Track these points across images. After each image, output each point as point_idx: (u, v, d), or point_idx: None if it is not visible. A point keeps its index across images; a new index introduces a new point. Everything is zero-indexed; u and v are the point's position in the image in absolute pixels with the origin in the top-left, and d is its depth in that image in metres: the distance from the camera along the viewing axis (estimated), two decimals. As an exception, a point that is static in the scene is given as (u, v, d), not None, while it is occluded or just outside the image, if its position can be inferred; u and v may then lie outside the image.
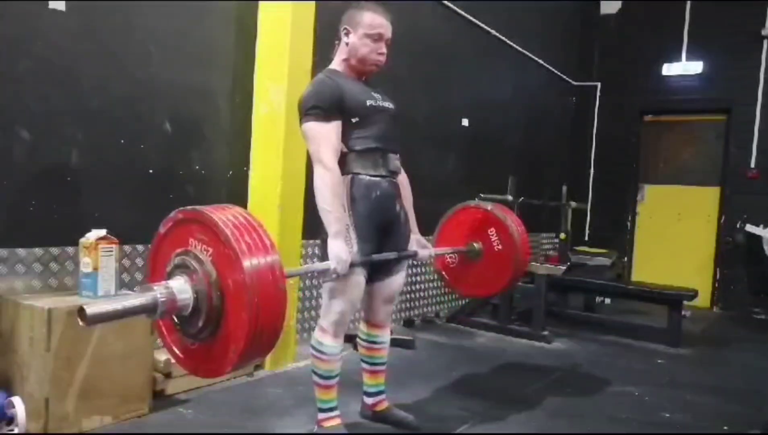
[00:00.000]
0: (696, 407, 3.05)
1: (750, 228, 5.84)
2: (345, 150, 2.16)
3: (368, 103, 2.19)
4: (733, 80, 6.02)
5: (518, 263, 2.78)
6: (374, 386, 2.50)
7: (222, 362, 1.57)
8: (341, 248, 2.03)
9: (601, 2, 6.91)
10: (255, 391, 2.86)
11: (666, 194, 6.57)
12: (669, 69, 6.39)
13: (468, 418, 2.67)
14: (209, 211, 1.56)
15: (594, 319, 5.01)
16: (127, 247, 2.66)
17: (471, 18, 4.86)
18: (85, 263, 2.36)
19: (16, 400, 2.15)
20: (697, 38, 6.23)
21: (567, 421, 2.75)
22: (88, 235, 2.39)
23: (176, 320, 1.61)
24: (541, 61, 6.05)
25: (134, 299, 1.51)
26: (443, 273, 2.94)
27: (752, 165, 5.93)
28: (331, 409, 2.30)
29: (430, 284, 4.76)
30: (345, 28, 2.22)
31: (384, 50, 2.23)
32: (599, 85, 6.88)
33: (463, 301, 4.85)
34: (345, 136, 2.15)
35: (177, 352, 1.69)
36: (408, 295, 4.51)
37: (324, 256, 2.09)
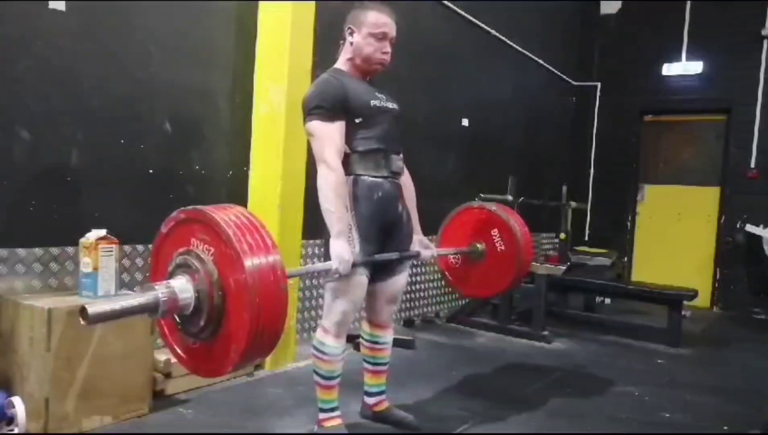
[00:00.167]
0: (696, 407, 3.05)
1: (750, 228, 5.84)
2: (348, 151, 2.16)
3: (372, 103, 2.19)
4: (733, 80, 6.02)
5: (521, 263, 2.78)
6: (376, 386, 2.50)
7: (223, 362, 1.57)
8: (343, 248, 2.02)
9: (601, 2, 6.91)
10: (255, 391, 2.85)
11: (666, 194, 6.57)
12: (669, 69, 6.40)
13: (468, 418, 2.67)
14: (211, 210, 1.56)
15: (594, 319, 5.01)
16: (127, 247, 2.66)
17: (471, 18, 4.87)
18: (85, 263, 2.35)
19: (16, 400, 2.15)
20: (697, 38, 6.24)
21: (567, 421, 2.75)
22: (88, 235, 2.38)
23: (178, 320, 1.61)
24: (541, 61, 6.05)
25: (136, 298, 1.51)
26: (446, 273, 2.95)
27: (752, 165, 5.94)
28: (332, 410, 2.30)
29: (430, 284, 4.76)
30: (349, 28, 2.22)
31: (388, 49, 2.22)
32: (599, 85, 6.88)
33: (463, 301, 4.86)
34: (348, 137, 2.15)
35: (179, 351, 1.69)
36: (408, 295, 4.51)
37: (327, 256, 2.09)
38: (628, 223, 6.72)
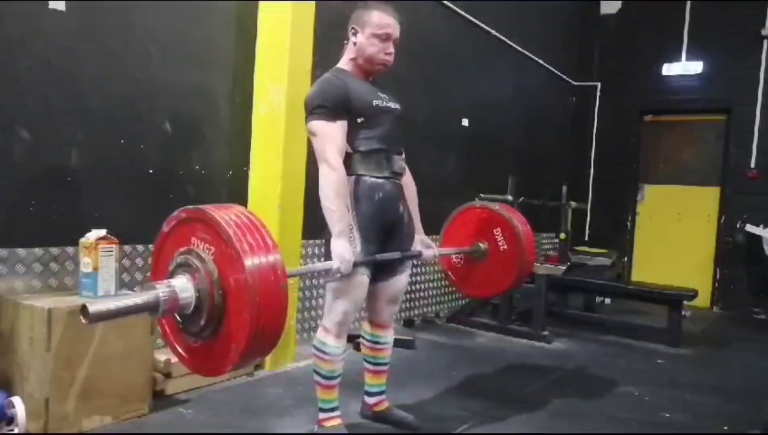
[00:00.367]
0: (696, 407, 3.05)
1: (750, 228, 5.84)
2: (350, 150, 2.16)
3: (375, 103, 2.18)
4: (733, 80, 6.02)
5: (524, 263, 2.78)
6: (376, 386, 2.50)
7: (223, 361, 1.57)
8: (344, 248, 2.02)
9: (601, 2, 6.91)
10: (255, 391, 2.85)
11: (666, 194, 6.57)
12: (669, 69, 6.40)
13: (468, 418, 2.67)
14: (212, 210, 1.56)
15: (594, 319, 5.01)
16: (127, 247, 2.66)
17: (471, 18, 4.87)
18: (85, 263, 2.35)
19: (16, 400, 2.15)
20: (697, 38, 6.24)
21: (567, 421, 2.75)
22: (88, 235, 2.38)
23: (179, 319, 1.61)
24: (541, 61, 6.05)
25: (137, 297, 1.51)
26: (449, 273, 2.96)
27: (752, 165, 5.94)
28: (332, 409, 2.30)
29: (430, 284, 4.76)
30: (353, 28, 2.22)
31: (392, 50, 2.22)
32: (599, 85, 6.88)
33: (463, 301, 4.86)
34: (350, 137, 2.15)
35: (180, 350, 1.69)
36: (408, 295, 4.51)
37: (328, 256, 2.09)
38: (628, 223, 6.72)
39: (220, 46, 3.06)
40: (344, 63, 2.27)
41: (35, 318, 2.14)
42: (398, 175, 2.29)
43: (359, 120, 2.15)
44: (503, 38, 5.31)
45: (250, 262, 1.48)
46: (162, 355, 2.60)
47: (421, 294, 4.67)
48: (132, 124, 2.70)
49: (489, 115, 5.34)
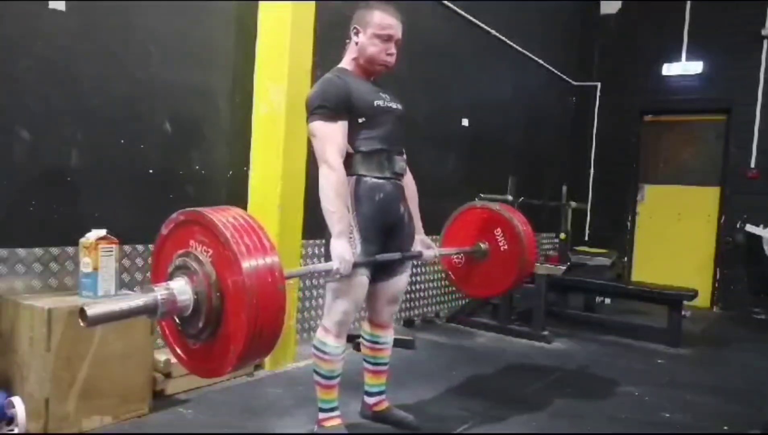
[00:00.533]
0: (696, 407, 3.05)
1: (750, 228, 5.84)
2: (351, 151, 2.16)
3: (376, 103, 2.18)
4: (733, 80, 6.02)
5: (525, 263, 2.78)
6: (376, 386, 2.50)
7: (222, 362, 1.57)
8: (344, 248, 2.02)
9: (601, 2, 6.91)
10: (255, 391, 2.86)
11: (666, 194, 6.57)
12: (669, 69, 6.39)
13: (468, 418, 2.67)
14: (209, 212, 1.56)
15: (594, 319, 5.01)
16: (127, 247, 2.66)
17: (471, 18, 4.86)
18: (85, 263, 2.35)
19: (16, 400, 2.15)
20: (697, 38, 6.23)
21: (567, 421, 2.75)
22: (88, 235, 2.38)
23: (178, 321, 1.61)
24: (541, 61, 6.05)
25: (135, 300, 1.51)
26: (450, 273, 2.96)
27: (752, 165, 5.93)
28: (332, 409, 2.30)
29: (430, 284, 4.76)
30: (355, 28, 2.22)
31: (393, 51, 2.22)
32: (599, 85, 6.88)
33: (463, 301, 4.86)
34: (351, 137, 2.15)
35: (179, 352, 1.69)
36: (408, 295, 4.51)
37: (328, 256, 2.09)
38: (628, 223, 6.72)
39: (220, 46, 3.06)
40: (346, 63, 2.27)
41: (35, 318, 2.14)
42: (399, 175, 2.29)
43: (360, 120, 2.15)
44: (503, 38, 5.31)
45: (247, 264, 1.48)
46: (162, 355, 2.60)
47: (421, 294, 4.67)
48: (132, 124, 2.71)
49: (489, 115, 5.34)
